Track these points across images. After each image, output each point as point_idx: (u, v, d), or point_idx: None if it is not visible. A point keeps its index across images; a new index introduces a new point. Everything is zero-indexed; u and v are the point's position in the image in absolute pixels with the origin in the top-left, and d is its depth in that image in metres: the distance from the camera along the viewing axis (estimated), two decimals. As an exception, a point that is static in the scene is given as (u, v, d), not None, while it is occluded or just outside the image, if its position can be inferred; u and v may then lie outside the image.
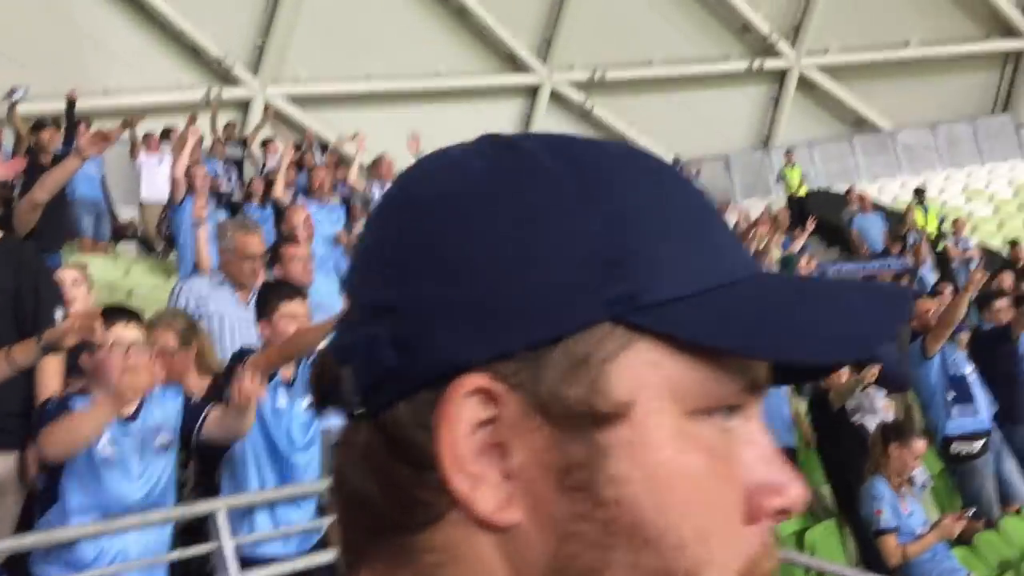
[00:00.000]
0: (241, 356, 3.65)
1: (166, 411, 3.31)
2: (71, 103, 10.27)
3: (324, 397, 0.52)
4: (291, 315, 3.69)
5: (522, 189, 0.48)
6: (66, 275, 4.58)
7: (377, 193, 9.20)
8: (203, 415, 3.32)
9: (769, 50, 21.67)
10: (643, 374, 0.46)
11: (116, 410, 2.95)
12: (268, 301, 3.76)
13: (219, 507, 3.28)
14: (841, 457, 5.81)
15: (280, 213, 8.80)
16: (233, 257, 4.66)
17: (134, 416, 3.23)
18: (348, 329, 0.50)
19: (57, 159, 7.93)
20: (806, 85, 22.21)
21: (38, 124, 9.02)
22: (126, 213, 12.45)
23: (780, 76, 22.07)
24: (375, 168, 9.61)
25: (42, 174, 8.15)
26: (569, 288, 0.46)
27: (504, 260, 0.46)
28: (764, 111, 22.37)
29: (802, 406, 6.83)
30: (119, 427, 3.16)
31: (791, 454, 6.30)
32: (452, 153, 0.53)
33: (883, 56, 21.93)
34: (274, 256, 4.91)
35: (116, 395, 2.85)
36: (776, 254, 11.24)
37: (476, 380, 0.45)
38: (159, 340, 3.72)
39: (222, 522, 3.21)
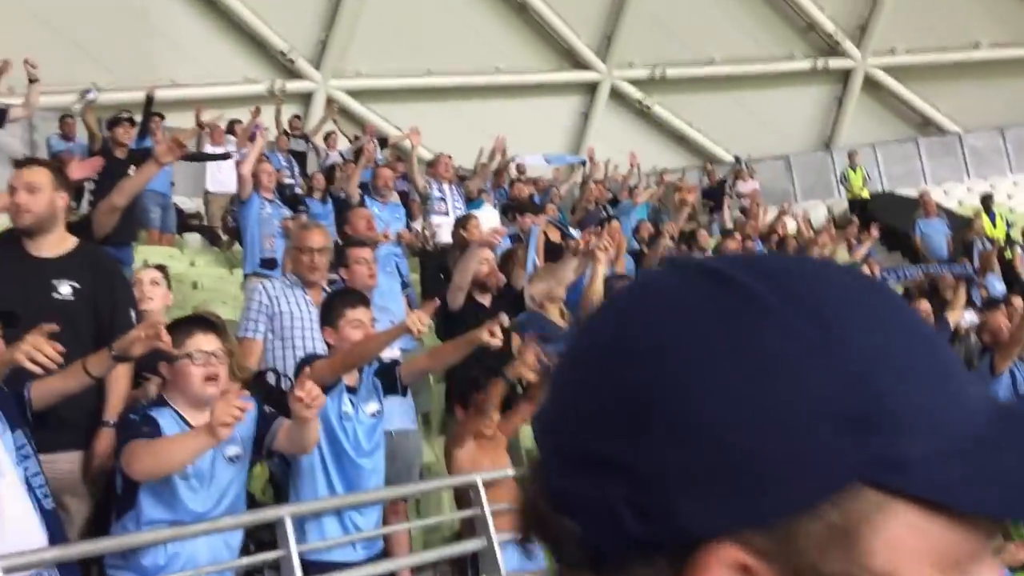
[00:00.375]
0: (306, 363, 3.71)
1: (242, 429, 3.35)
2: (149, 99, 10.47)
3: (532, 537, 0.51)
4: (356, 321, 3.74)
5: (753, 338, 0.45)
6: (144, 275, 4.69)
7: (436, 191, 9.15)
8: (274, 428, 3.38)
9: (834, 49, 21.30)
10: (903, 540, 0.44)
11: (212, 444, 2.98)
12: (334, 307, 3.82)
13: (284, 514, 3.34)
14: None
15: (340, 207, 8.93)
16: (296, 253, 4.75)
17: None
18: (567, 476, 0.48)
19: (132, 154, 8.12)
20: (871, 85, 21.80)
21: (113, 120, 9.23)
22: (190, 204, 12.70)
23: (844, 76, 21.69)
24: (433, 167, 9.63)
25: (116, 168, 8.36)
26: (818, 450, 0.43)
27: (743, 420, 0.43)
28: (827, 111, 22.00)
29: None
30: None
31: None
32: (661, 287, 0.50)
33: (951, 58, 21.41)
34: (339, 258, 4.97)
35: (214, 429, 2.90)
36: (842, 257, 11.08)
37: (731, 553, 0.43)
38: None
39: (288, 528, 3.27)
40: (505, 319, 5.48)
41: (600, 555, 0.46)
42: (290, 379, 3.92)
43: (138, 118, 10.25)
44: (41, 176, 3.58)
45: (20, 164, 3.72)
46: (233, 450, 3.30)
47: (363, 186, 10.08)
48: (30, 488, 2.90)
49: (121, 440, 3.08)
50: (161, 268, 4.80)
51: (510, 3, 19.33)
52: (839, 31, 21.05)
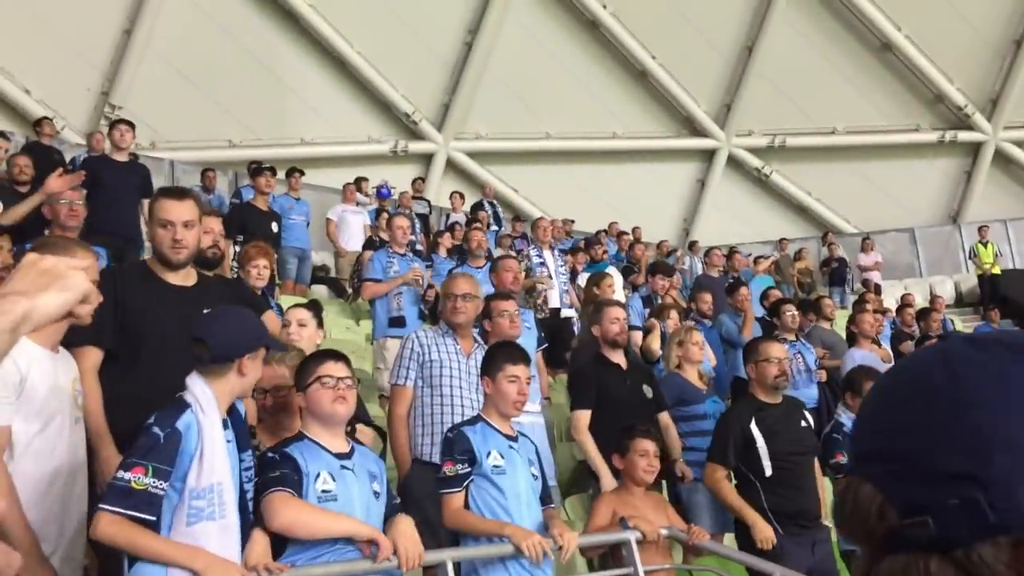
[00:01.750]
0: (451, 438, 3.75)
1: (373, 464, 3.44)
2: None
3: (868, 536, 0.73)
4: (514, 377, 3.75)
5: None
6: (293, 315, 4.80)
7: (535, 256, 9.05)
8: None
9: (963, 122, 20.74)
10: None
11: (353, 534, 3.16)
12: (495, 360, 3.83)
13: (446, 558, 3.32)
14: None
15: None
16: (444, 300, 4.81)
17: (349, 455, 3.34)
18: (920, 490, 0.70)
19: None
20: (1002, 159, 21.09)
21: (256, 169, 9.62)
22: (316, 258, 13.06)
23: (974, 149, 21.05)
24: (534, 231, 9.63)
25: (258, 218, 8.64)
26: None
27: None
28: (955, 184, 21.36)
29: None
30: (336, 461, 3.28)
31: None
32: (972, 356, 0.73)
33: (1090, 132, 20.59)
34: (483, 310, 5.00)
35: (359, 528, 3.14)
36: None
37: None
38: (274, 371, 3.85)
39: (449, 572, 3.24)
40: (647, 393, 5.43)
41: (950, 542, 0.67)
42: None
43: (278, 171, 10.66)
44: (195, 211, 3.67)
45: (174, 195, 3.75)
46: (377, 486, 3.38)
47: (459, 248, 10.22)
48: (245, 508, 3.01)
49: (261, 480, 3.13)
50: (313, 305, 4.90)
51: (630, 70, 19.52)
52: (969, 104, 20.50)
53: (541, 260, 8.79)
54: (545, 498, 3.84)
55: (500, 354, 3.84)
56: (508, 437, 3.76)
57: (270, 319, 4.58)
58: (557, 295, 8.55)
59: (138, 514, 2.76)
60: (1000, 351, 0.72)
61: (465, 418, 4.02)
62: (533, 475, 3.77)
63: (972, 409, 0.69)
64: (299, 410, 3.43)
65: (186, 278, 3.64)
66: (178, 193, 3.77)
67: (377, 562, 3.11)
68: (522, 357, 3.83)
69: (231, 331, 3.03)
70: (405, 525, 3.31)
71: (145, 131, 15.85)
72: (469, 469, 3.62)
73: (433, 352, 4.51)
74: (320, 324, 4.86)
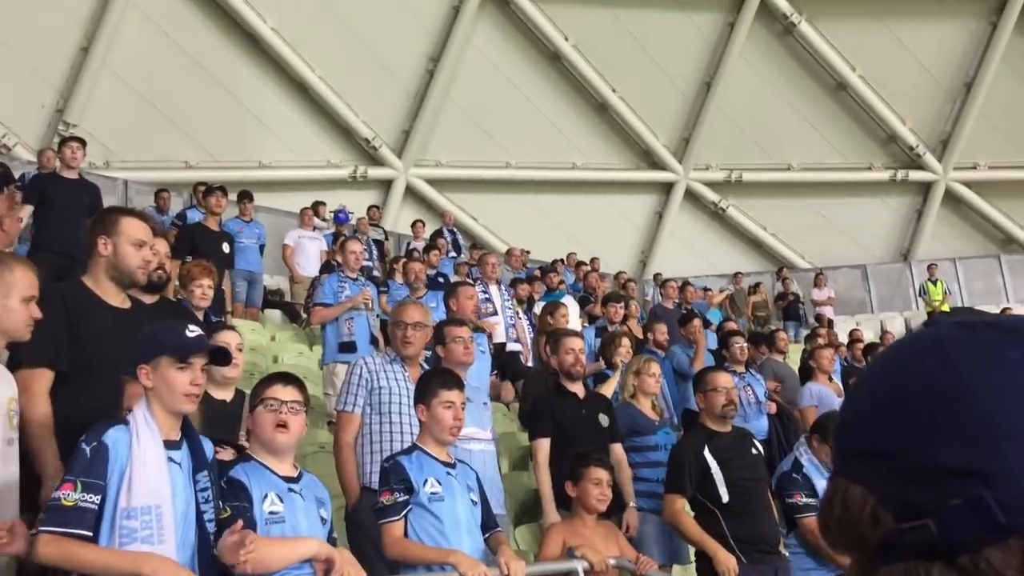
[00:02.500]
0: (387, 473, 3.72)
1: (321, 491, 3.40)
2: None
3: (852, 549, 0.67)
4: (448, 403, 3.72)
5: None
6: (231, 338, 4.71)
7: (481, 292, 8.91)
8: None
9: (915, 162, 21.19)
10: None
11: (315, 555, 3.14)
12: (429, 386, 3.81)
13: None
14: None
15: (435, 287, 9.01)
16: (393, 328, 4.76)
17: (296, 479, 3.30)
18: (917, 490, 0.63)
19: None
20: (952, 199, 21.56)
21: (208, 190, 9.51)
22: (271, 282, 12.92)
23: (925, 189, 21.50)
24: (481, 267, 9.52)
25: (209, 239, 8.53)
26: None
27: None
28: (906, 223, 21.77)
29: None
30: (284, 484, 3.24)
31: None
32: (968, 339, 0.66)
33: (1036, 175, 21.13)
34: (437, 335, 4.96)
35: (319, 548, 3.12)
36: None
37: None
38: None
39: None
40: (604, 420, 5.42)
41: (954, 547, 0.60)
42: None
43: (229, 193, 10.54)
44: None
45: (140, 216, 3.74)
46: (324, 513, 3.34)
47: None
48: (203, 533, 2.94)
49: (216, 518, 3.05)
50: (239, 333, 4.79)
51: (590, 102, 19.69)
52: (921, 144, 20.96)
53: (487, 296, 8.75)
54: (488, 524, 3.80)
55: (434, 380, 3.82)
56: (445, 464, 3.72)
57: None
58: (503, 330, 8.54)
59: (70, 530, 2.68)
60: (994, 335, 0.65)
61: None
62: (472, 501, 3.73)
63: (972, 397, 0.62)
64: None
65: (123, 301, 3.57)
66: (146, 217, 3.78)
67: None
68: (456, 383, 3.81)
69: (139, 343, 2.97)
70: (349, 555, 3.26)
71: (100, 150, 15.64)
72: (407, 498, 3.58)
73: (381, 379, 4.46)
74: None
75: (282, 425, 3.22)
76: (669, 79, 19.81)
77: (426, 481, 3.60)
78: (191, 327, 2.99)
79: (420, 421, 3.81)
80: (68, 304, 3.40)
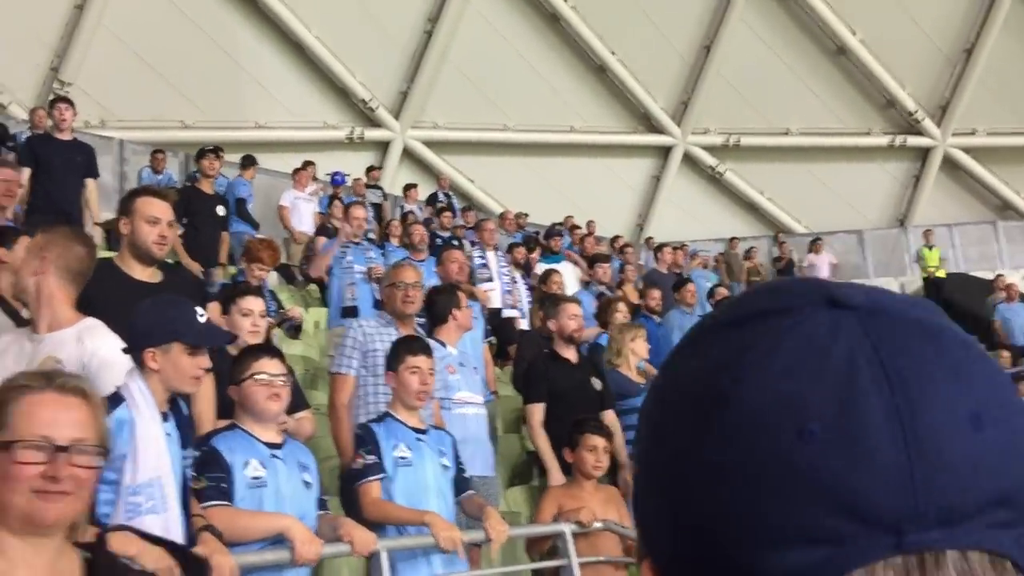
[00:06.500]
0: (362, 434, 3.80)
1: (304, 456, 3.52)
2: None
3: None
4: (415, 368, 3.81)
5: None
6: (255, 304, 4.70)
7: (477, 258, 8.98)
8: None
9: (913, 127, 21.13)
10: None
11: (283, 532, 3.19)
12: (396, 353, 3.90)
13: (380, 547, 3.35)
14: None
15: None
16: (391, 289, 4.82)
17: (280, 445, 3.40)
18: (1003, 530, 0.47)
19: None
20: (950, 165, 21.53)
21: (200, 152, 9.49)
22: (268, 243, 12.93)
23: (923, 154, 21.47)
24: (479, 232, 9.53)
25: (203, 202, 8.54)
26: None
27: None
28: (903, 188, 21.76)
29: None
30: (267, 450, 3.33)
31: None
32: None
33: (1034, 141, 21.10)
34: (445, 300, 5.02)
35: (290, 525, 3.19)
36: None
37: None
38: None
39: (384, 564, 3.28)
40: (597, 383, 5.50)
41: None
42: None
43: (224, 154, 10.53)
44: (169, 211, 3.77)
45: (154, 194, 3.86)
46: (308, 476, 3.45)
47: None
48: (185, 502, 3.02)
49: (194, 488, 3.12)
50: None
51: (589, 64, 19.58)
52: (920, 109, 20.89)
53: (484, 261, 8.79)
54: (461, 487, 3.91)
55: (401, 348, 3.91)
56: (415, 430, 3.81)
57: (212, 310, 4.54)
58: (499, 296, 8.59)
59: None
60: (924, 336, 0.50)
61: None
62: (444, 465, 3.83)
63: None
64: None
65: (153, 275, 3.77)
66: (163, 193, 4.04)
67: (298, 560, 3.17)
68: (423, 349, 3.90)
69: (143, 321, 2.98)
70: (350, 520, 3.41)
71: (95, 109, 15.56)
72: (377, 460, 3.69)
73: (376, 341, 4.53)
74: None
75: (274, 396, 3.35)
76: (668, 42, 19.68)
77: (396, 447, 3.71)
78: (200, 312, 3.03)
79: (392, 388, 3.91)
80: (88, 283, 3.48)
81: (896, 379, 0.47)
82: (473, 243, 10.38)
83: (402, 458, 3.70)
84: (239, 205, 10.68)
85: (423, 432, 3.83)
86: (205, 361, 2.99)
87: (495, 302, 8.50)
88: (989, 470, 0.46)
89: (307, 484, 3.40)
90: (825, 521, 0.45)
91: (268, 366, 3.37)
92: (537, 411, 5.27)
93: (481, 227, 9.30)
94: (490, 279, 8.63)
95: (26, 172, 7.50)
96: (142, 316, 3.00)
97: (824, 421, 0.46)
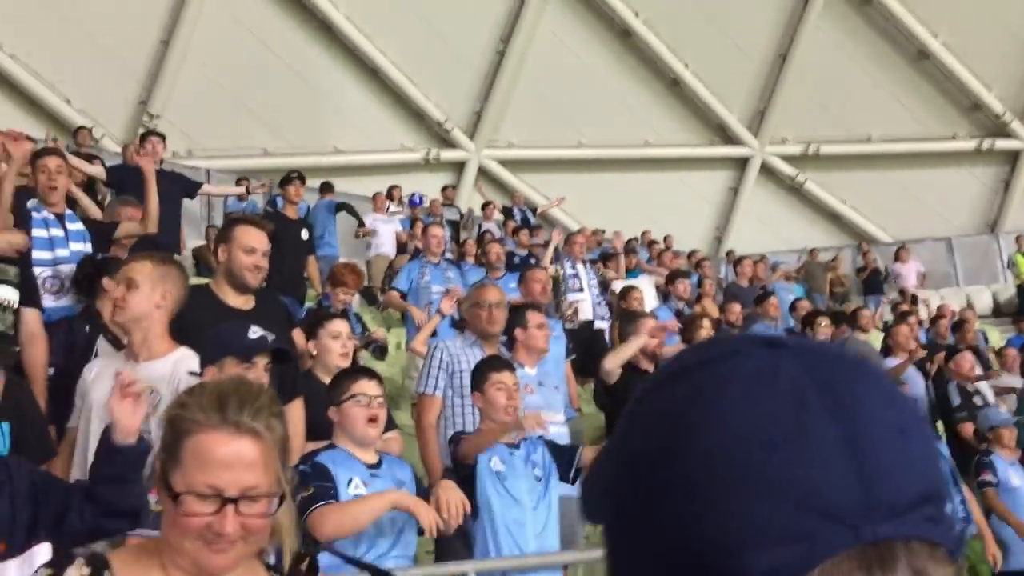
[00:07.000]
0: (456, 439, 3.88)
1: (401, 472, 3.54)
2: None
3: None
4: (500, 384, 3.83)
5: None
6: (342, 327, 4.80)
7: (568, 268, 8.98)
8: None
9: (1001, 130, 20.47)
10: None
11: (392, 505, 3.22)
12: (480, 372, 3.92)
13: (469, 569, 3.35)
14: None
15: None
16: (475, 310, 4.85)
17: (378, 464, 3.44)
18: (933, 523, 0.55)
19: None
20: (1042, 168, 20.79)
21: (285, 179, 9.71)
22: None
23: (1013, 158, 20.77)
24: (568, 245, 9.47)
25: (287, 227, 8.73)
26: None
27: None
28: (993, 193, 21.07)
29: None
30: (367, 470, 3.40)
31: None
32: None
33: None
34: (517, 320, 5.02)
35: (397, 497, 3.21)
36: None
37: None
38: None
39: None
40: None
41: None
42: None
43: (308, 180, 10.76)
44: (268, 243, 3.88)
45: (252, 224, 4.00)
46: (406, 490, 3.45)
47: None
48: None
49: (298, 501, 3.15)
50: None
51: (662, 78, 19.48)
52: (1008, 111, 20.23)
53: (575, 273, 8.80)
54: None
55: (484, 366, 3.99)
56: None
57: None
58: (590, 307, 8.56)
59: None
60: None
61: None
62: (536, 477, 3.83)
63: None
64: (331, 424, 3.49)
65: (247, 302, 3.88)
66: (261, 224, 4.12)
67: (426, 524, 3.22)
68: (506, 364, 4.00)
69: (204, 346, 3.12)
70: (447, 483, 3.47)
71: (182, 140, 16.09)
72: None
73: (462, 362, 4.56)
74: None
75: (373, 419, 3.38)
76: (742, 52, 19.47)
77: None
78: (253, 329, 3.12)
79: (479, 408, 3.95)
80: (184, 308, 3.57)
81: (838, 399, 0.55)
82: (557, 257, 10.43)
83: (498, 472, 3.74)
84: (340, 208, 11.17)
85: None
86: (262, 376, 3.04)
87: (586, 314, 8.47)
88: (917, 473, 0.55)
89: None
90: (793, 520, 0.52)
91: (367, 387, 3.41)
92: None
93: (571, 240, 9.32)
94: (581, 289, 8.64)
95: (99, 170, 7.80)
96: (204, 342, 3.13)
97: (785, 434, 0.53)
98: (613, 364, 5.34)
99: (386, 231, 12.18)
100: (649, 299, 8.75)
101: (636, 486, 0.57)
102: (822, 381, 0.56)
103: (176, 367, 3.16)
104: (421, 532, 3.44)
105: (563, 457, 4.00)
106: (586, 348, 7.97)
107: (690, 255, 14.52)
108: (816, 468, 0.53)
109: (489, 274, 8.19)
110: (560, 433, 4.89)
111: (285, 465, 1.63)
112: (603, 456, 0.62)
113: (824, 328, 7.52)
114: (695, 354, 0.61)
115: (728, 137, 20.15)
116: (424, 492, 3.47)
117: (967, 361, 7.67)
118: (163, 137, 8.21)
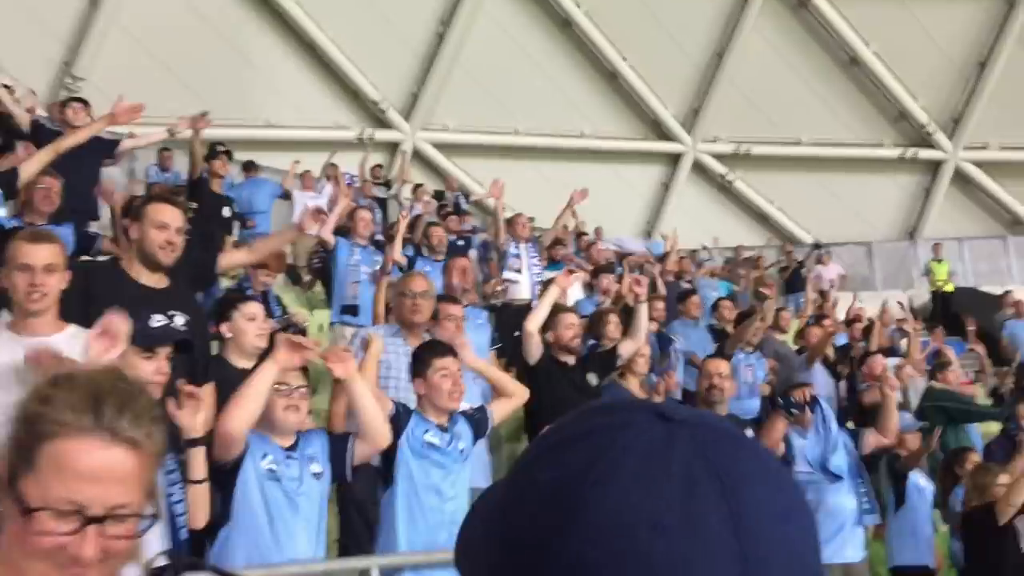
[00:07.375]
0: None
1: (311, 447, 3.51)
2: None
3: None
4: (444, 370, 3.80)
5: None
6: (256, 309, 4.71)
7: (512, 248, 9.10)
8: (350, 444, 3.54)
9: (925, 140, 21.06)
10: None
11: (277, 369, 3.24)
12: (422, 358, 3.88)
13: (372, 565, 3.33)
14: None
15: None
16: (400, 298, 4.83)
17: (294, 447, 3.45)
18: None
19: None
20: (961, 179, 21.44)
21: (211, 153, 9.52)
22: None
23: (934, 167, 21.39)
24: (511, 225, 9.54)
25: (212, 200, 8.55)
26: None
27: None
28: (913, 201, 21.68)
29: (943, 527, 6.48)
30: (282, 452, 3.40)
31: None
32: None
33: (1047, 157, 21.00)
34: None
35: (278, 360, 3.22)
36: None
37: None
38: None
39: (375, 578, 3.26)
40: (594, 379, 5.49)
41: None
42: None
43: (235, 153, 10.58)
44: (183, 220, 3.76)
45: (165, 200, 3.91)
46: (316, 467, 3.46)
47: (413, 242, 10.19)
48: (172, 516, 2.96)
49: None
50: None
51: (601, 70, 19.56)
52: (932, 122, 20.81)
53: (516, 253, 8.82)
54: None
55: (426, 352, 3.96)
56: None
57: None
58: (528, 287, 8.56)
59: None
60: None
61: None
62: (315, 474, 3.82)
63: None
64: None
65: (159, 280, 3.75)
66: (174, 200, 4.02)
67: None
68: (449, 350, 3.94)
69: None
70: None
71: (106, 105, 15.55)
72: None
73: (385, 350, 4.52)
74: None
75: (293, 407, 3.38)
76: (680, 49, 19.65)
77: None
78: (156, 317, 3.04)
79: (418, 395, 3.91)
80: (90, 282, 3.48)
81: (727, 483, 0.56)
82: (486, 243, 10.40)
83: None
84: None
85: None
86: (163, 367, 3.04)
87: (524, 294, 8.45)
88: (797, 554, 0.58)
89: (316, 475, 3.44)
90: None
91: (290, 378, 3.39)
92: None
93: (514, 221, 9.32)
94: (519, 270, 8.63)
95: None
96: None
97: (674, 517, 0.55)
98: (533, 325, 5.37)
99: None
100: (573, 291, 8.77)
101: (521, 560, 0.57)
102: (715, 464, 0.57)
103: (72, 344, 3.05)
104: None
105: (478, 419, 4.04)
106: (515, 327, 7.92)
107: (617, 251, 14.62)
108: (704, 551, 0.54)
109: (432, 256, 8.14)
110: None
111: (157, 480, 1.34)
112: (487, 515, 0.61)
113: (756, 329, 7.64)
114: (602, 415, 0.61)
115: (662, 132, 20.34)
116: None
117: (879, 364, 7.88)
118: (86, 103, 7.95)
